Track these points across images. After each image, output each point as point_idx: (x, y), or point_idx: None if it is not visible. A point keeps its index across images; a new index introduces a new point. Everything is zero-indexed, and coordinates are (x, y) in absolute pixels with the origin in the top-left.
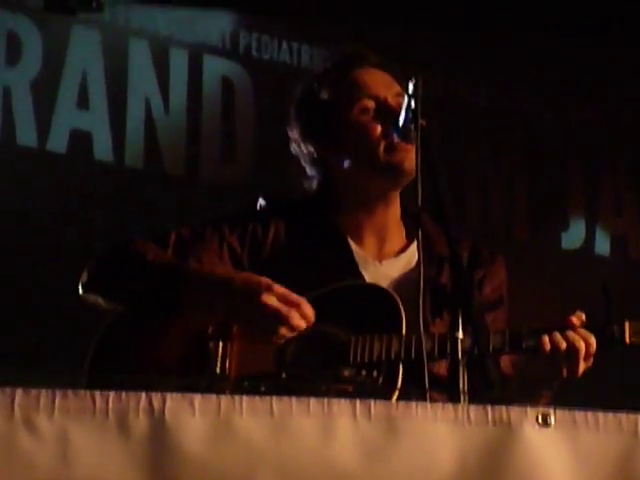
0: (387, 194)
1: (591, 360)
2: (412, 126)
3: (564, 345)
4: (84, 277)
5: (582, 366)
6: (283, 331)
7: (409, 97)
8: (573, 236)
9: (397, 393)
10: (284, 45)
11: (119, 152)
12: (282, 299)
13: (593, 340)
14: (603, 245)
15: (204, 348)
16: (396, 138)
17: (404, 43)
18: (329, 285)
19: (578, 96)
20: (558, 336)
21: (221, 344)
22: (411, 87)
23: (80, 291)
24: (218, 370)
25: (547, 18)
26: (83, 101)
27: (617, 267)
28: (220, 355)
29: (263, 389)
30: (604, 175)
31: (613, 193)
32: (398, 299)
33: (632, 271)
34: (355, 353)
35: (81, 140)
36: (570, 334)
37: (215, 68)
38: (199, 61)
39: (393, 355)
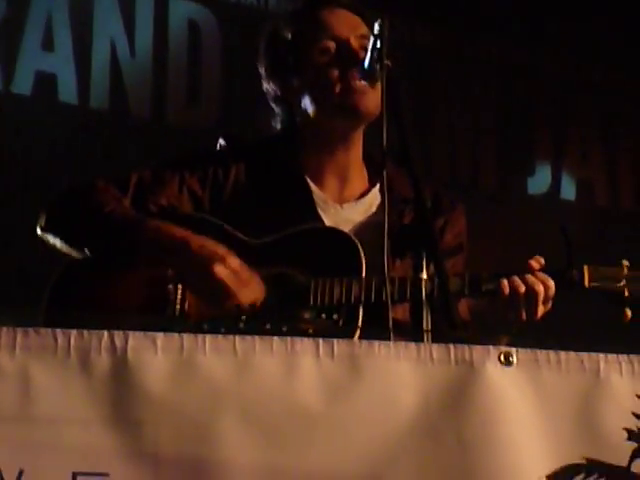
0: (347, 135)
1: (550, 303)
2: (377, 67)
3: (523, 288)
4: (42, 218)
5: (541, 309)
6: (229, 305)
7: (375, 38)
8: (539, 181)
9: (358, 334)
10: None
11: (84, 94)
12: (234, 273)
13: (552, 283)
14: (569, 190)
15: (163, 290)
16: (358, 79)
17: None
18: (289, 227)
19: (547, 45)
20: (517, 279)
21: (180, 286)
22: (377, 28)
23: (38, 231)
24: (177, 312)
25: None
26: (48, 43)
27: (583, 212)
28: (179, 297)
29: (223, 330)
30: (571, 120)
31: (579, 138)
32: (357, 242)
33: (597, 216)
34: (315, 296)
35: (46, 82)
36: (529, 277)
37: (181, 10)
38: (165, 3)
39: (353, 298)
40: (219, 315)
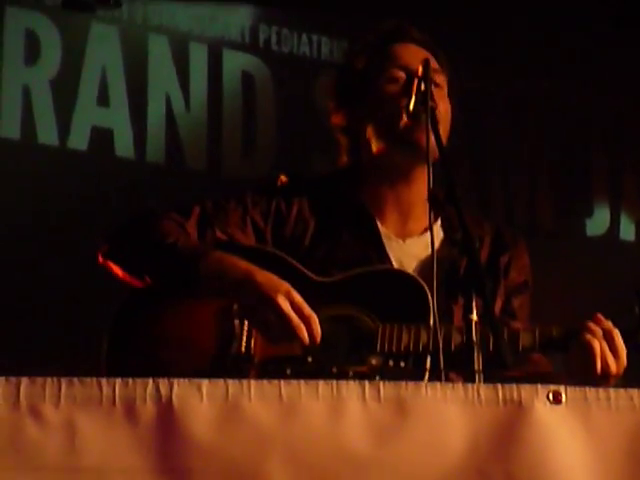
0: (409, 171)
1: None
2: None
3: (600, 333)
4: (104, 246)
5: (617, 365)
6: (289, 339)
7: (419, 80)
8: (598, 222)
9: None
10: (304, 38)
11: (140, 148)
12: (296, 309)
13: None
14: (628, 230)
15: (230, 324)
16: (406, 120)
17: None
18: (355, 264)
19: (600, 81)
20: (593, 326)
21: (246, 322)
22: (420, 70)
23: (100, 259)
24: (243, 349)
25: (566, 6)
26: (103, 98)
27: None
28: (245, 334)
29: (289, 372)
30: (628, 159)
31: (637, 177)
32: (426, 288)
33: None
34: (382, 342)
35: (102, 137)
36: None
37: (235, 62)
38: (219, 56)
39: (421, 347)
40: (286, 354)
